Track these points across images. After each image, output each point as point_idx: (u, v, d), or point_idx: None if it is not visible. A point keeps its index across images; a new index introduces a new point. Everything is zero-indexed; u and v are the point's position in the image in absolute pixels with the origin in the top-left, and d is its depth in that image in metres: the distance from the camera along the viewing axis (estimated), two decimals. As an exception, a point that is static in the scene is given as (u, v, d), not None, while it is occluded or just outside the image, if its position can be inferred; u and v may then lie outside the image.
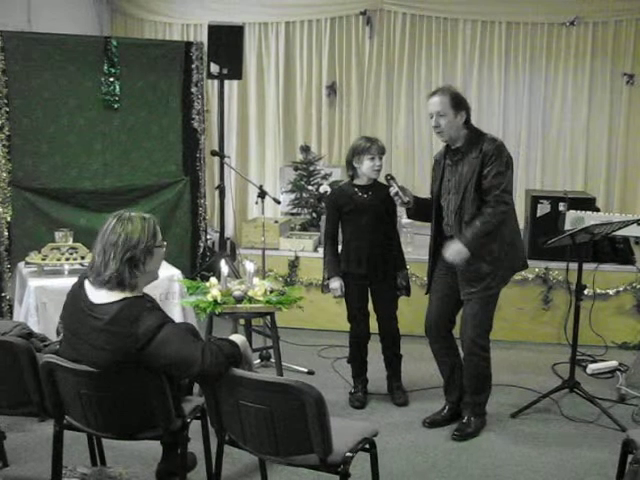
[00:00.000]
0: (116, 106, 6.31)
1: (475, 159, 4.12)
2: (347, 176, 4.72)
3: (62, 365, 2.93)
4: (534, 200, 5.98)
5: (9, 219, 5.82)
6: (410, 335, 5.13)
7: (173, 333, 2.85)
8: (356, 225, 4.60)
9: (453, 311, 4.44)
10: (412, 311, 5.05)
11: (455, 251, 4.09)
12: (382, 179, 4.53)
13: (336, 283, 4.62)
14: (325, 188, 6.68)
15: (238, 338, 3.04)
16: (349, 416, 4.55)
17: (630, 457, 3.15)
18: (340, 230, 4.73)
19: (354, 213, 4.59)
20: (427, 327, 4.48)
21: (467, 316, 4.28)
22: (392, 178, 4.38)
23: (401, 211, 4.99)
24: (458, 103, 4.17)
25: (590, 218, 5.34)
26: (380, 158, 4.53)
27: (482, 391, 4.41)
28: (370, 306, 4.79)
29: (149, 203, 6.50)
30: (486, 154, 4.09)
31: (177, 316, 4.94)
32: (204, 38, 6.83)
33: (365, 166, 4.52)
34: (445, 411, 4.55)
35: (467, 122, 4.23)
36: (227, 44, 6.55)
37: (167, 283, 5.07)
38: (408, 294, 4.76)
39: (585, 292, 5.12)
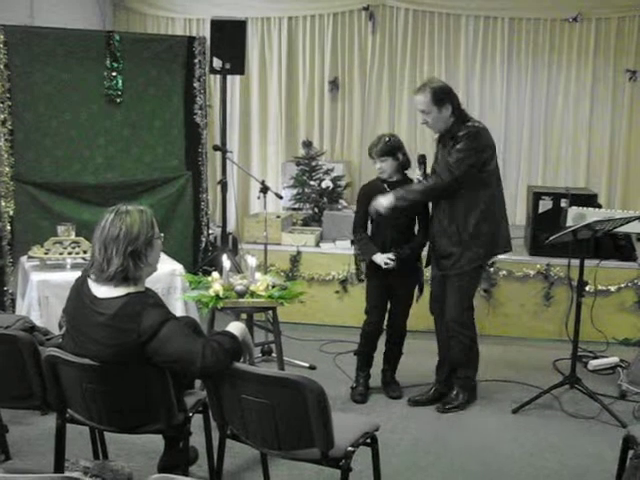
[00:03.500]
0: (118, 101, 6.30)
1: (452, 144, 4.34)
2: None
3: (65, 359, 2.94)
4: (536, 196, 5.98)
5: (11, 213, 5.81)
6: (414, 331, 5.13)
7: (175, 330, 2.85)
8: (382, 218, 4.62)
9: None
10: (415, 307, 5.05)
11: (381, 199, 4.41)
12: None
13: (382, 256, 4.60)
14: (327, 183, 6.69)
15: (237, 327, 3.02)
16: (350, 411, 4.56)
17: (631, 453, 3.16)
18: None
19: None
20: (430, 299, 4.76)
21: (449, 294, 4.55)
22: (423, 162, 4.57)
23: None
24: (440, 98, 4.33)
25: (592, 214, 5.33)
26: (383, 161, 4.59)
27: (469, 365, 4.66)
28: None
29: (151, 197, 6.49)
30: (458, 138, 4.31)
31: (179, 311, 4.94)
32: (207, 33, 6.82)
33: (376, 167, 4.65)
34: (431, 392, 4.74)
35: (456, 110, 4.38)
36: (230, 39, 6.54)
37: (169, 278, 5.07)
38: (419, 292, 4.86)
39: (586, 288, 5.13)
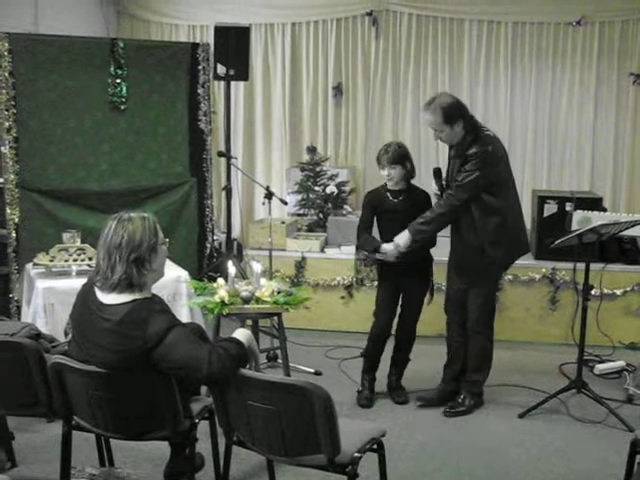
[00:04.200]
0: (123, 107, 6.31)
1: (464, 159, 4.37)
2: None
3: (71, 366, 2.94)
4: (541, 200, 5.98)
5: (17, 220, 5.82)
6: (422, 336, 5.12)
7: (181, 336, 2.85)
8: (388, 225, 4.69)
9: (464, 293, 4.70)
10: (425, 312, 5.05)
11: (397, 240, 4.47)
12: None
13: (389, 245, 4.58)
14: (332, 189, 6.69)
15: (243, 334, 3.02)
16: (356, 416, 4.55)
17: (638, 457, 3.15)
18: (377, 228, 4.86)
19: (386, 214, 4.72)
20: (446, 300, 4.83)
21: (471, 298, 4.59)
22: (439, 177, 4.60)
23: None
24: (451, 116, 4.32)
25: (597, 218, 5.33)
26: (392, 168, 4.59)
27: (482, 369, 4.69)
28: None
29: (156, 204, 6.51)
30: (468, 157, 4.33)
31: (184, 317, 4.94)
32: (210, 39, 6.83)
33: (383, 174, 4.65)
34: (438, 391, 4.81)
35: (466, 121, 4.39)
36: (233, 45, 6.56)
37: (174, 284, 5.07)
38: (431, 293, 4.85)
39: (592, 292, 5.12)
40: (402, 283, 4.74)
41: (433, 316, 5.02)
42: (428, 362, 5.19)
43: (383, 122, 7.73)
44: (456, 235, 4.56)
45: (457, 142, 4.42)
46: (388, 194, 4.70)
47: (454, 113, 4.32)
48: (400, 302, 4.83)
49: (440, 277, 5.14)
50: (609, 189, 7.37)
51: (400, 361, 4.90)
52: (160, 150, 6.63)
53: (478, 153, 4.30)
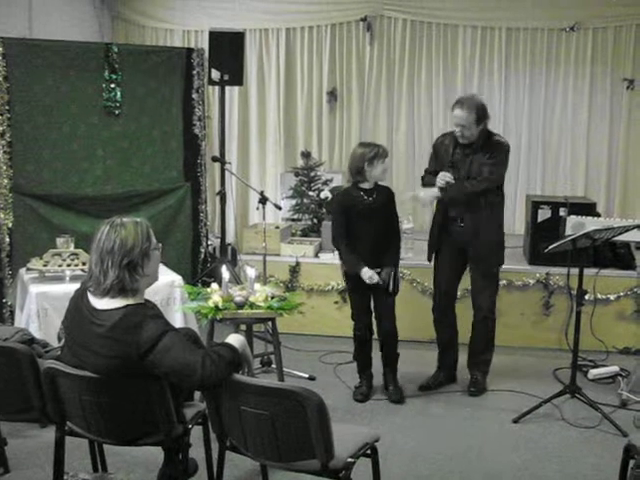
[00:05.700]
0: (117, 112, 6.32)
1: (485, 158, 4.72)
2: (348, 182, 4.88)
3: (64, 371, 2.93)
4: (535, 205, 5.98)
5: (10, 225, 5.82)
6: (410, 340, 5.13)
7: (175, 341, 2.84)
8: (361, 226, 4.71)
9: (456, 288, 5.10)
10: (412, 316, 5.05)
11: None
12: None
13: (369, 272, 4.67)
14: (326, 194, 6.69)
15: (236, 340, 3.01)
16: (351, 421, 4.55)
17: (632, 462, 3.15)
18: None
19: (360, 215, 4.72)
20: (435, 295, 5.08)
21: (480, 287, 4.93)
22: (452, 167, 4.84)
23: (402, 217, 5.20)
24: (481, 117, 4.70)
25: (591, 223, 5.34)
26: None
27: (490, 348, 5.05)
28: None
29: (150, 209, 6.51)
30: (494, 150, 4.76)
31: (178, 322, 4.95)
32: (205, 44, 6.85)
33: (378, 170, 4.69)
34: (439, 377, 5.07)
35: (485, 124, 4.80)
36: (228, 50, 6.57)
37: (168, 289, 5.08)
38: (394, 292, 4.86)
39: (586, 297, 5.12)
40: (370, 291, 4.80)
41: (425, 321, 5.02)
42: (424, 367, 5.19)
43: (377, 127, 7.74)
44: (483, 224, 4.80)
45: (474, 140, 4.73)
46: (362, 193, 4.74)
47: (484, 115, 4.71)
48: (372, 306, 4.89)
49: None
50: (603, 194, 7.39)
51: (389, 358, 4.93)
52: (154, 155, 6.63)
53: (502, 141, 4.84)
